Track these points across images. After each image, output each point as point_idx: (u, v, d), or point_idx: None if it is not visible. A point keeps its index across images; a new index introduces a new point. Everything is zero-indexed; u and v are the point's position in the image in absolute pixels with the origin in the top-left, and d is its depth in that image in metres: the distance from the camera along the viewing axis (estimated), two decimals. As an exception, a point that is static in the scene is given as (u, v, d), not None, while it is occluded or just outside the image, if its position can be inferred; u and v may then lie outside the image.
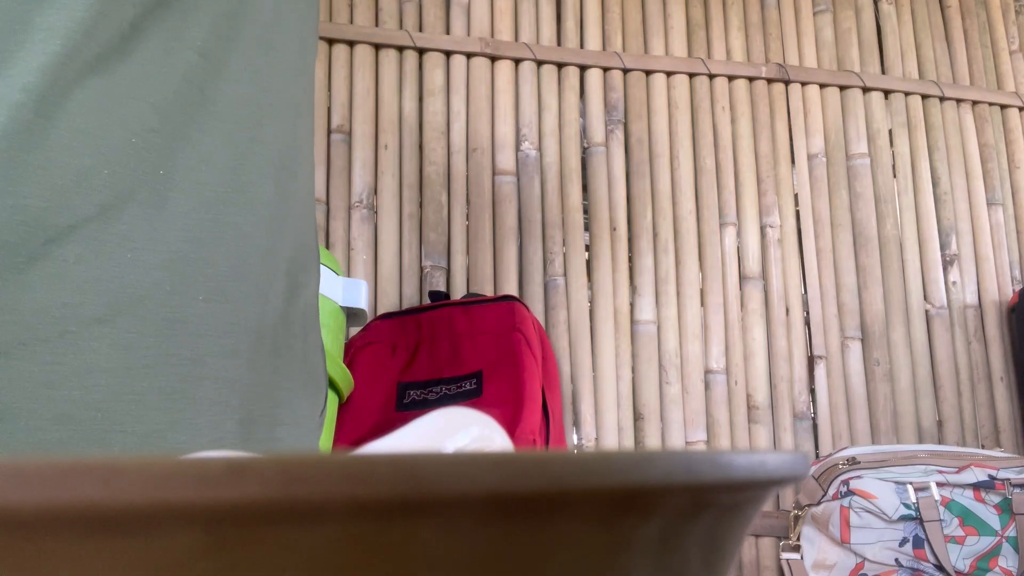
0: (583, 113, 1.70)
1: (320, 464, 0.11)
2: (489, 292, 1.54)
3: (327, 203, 1.54)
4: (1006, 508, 1.34)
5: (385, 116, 1.59)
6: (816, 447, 1.63)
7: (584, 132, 1.69)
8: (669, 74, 1.73)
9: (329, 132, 1.57)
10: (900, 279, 1.72)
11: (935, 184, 1.81)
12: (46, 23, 0.39)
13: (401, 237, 1.55)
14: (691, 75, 1.74)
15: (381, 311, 1.47)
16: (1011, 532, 1.33)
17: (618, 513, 0.13)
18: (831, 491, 1.37)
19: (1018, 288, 1.78)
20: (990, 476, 1.36)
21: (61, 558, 0.10)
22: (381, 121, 1.59)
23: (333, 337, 1.03)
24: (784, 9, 1.83)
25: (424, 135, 1.60)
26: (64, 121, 0.38)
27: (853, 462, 1.40)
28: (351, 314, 1.16)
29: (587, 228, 1.65)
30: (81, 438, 0.37)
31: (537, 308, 1.56)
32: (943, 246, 1.78)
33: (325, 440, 1.03)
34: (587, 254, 1.63)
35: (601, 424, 1.54)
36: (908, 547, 1.32)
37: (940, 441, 1.67)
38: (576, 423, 1.53)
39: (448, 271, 1.55)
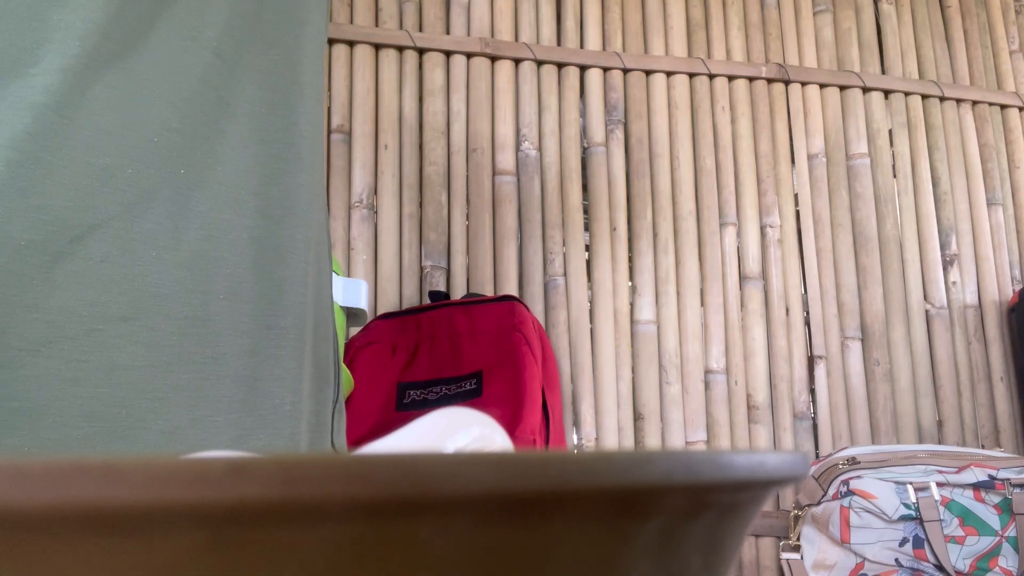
0: (583, 113, 1.70)
1: (320, 464, 0.11)
2: (489, 292, 1.54)
3: (327, 203, 1.54)
4: (1006, 508, 1.34)
5: (385, 116, 1.59)
6: (816, 447, 1.63)
7: (584, 132, 1.69)
8: (669, 74, 1.73)
9: (329, 132, 1.57)
10: (900, 279, 1.72)
11: (935, 184, 1.81)
12: (64, 22, 0.39)
13: (401, 237, 1.55)
14: (691, 75, 1.74)
15: (381, 311, 1.47)
16: (1011, 532, 1.33)
17: (618, 513, 0.13)
18: (831, 491, 1.37)
19: (1018, 288, 1.78)
20: (990, 476, 1.36)
21: (62, 558, 0.10)
22: (381, 121, 1.59)
23: (333, 337, 1.03)
24: (784, 9, 1.83)
25: (424, 135, 1.60)
26: (86, 121, 0.39)
27: (853, 462, 1.40)
28: (351, 314, 1.16)
29: (587, 228, 1.65)
30: (106, 435, 0.38)
31: (537, 308, 1.56)
32: (943, 246, 1.78)
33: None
34: (587, 254, 1.63)
35: (601, 424, 1.54)
36: (908, 547, 1.32)
37: (940, 441, 1.67)
38: (576, 423, 1.54)
39: (448, 271, 1.55)
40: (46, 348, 0.36)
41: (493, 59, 1.66)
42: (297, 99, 0.50)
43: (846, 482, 1.36)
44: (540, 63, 1.68)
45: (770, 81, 1.77)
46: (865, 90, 1.81)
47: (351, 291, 1.11)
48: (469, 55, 1.64)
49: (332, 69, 1.60)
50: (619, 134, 1.69)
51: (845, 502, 1.34)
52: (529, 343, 1.25)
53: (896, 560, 1.33)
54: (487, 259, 1.56)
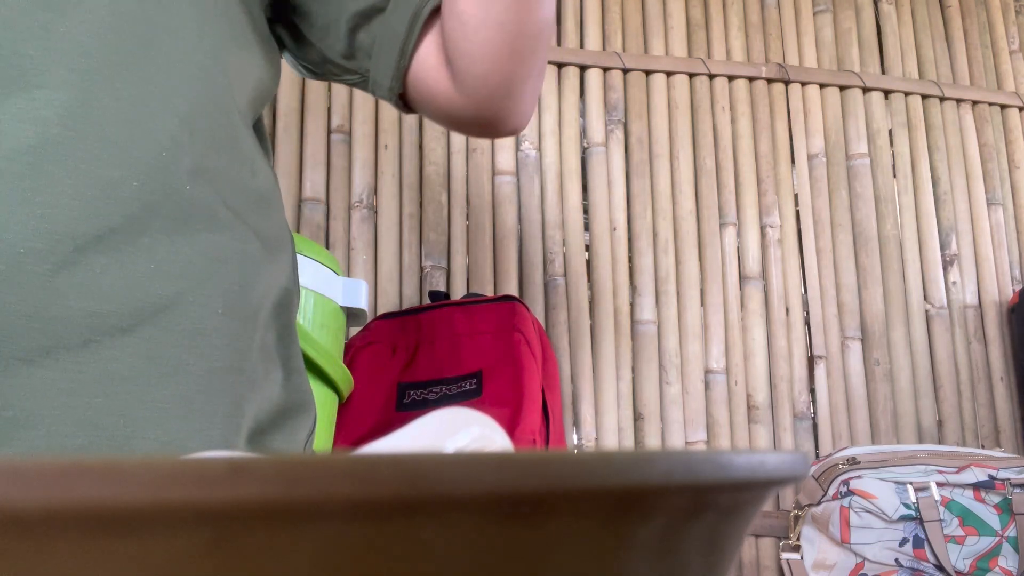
0: (583, 113, 1.70)
1: (320, 464, 0.11)
2: (489, 292, 1.54)
3: (327, 203, 1.54)
4: (1006, 508, 1.34)
5: (385, 116, 1.59)
6: (816, 447, 1.63)
7: (584, 132, 1.69)
8: (669, 74, 1.73)
9: (329, 132, 1.56)
10: (900, 279, 1.72)
11: (935, 184, 1.81)
12: (70, 33, 0.39)
13: (401, 237, 1.55)
14: (691, 75, 1.74)
15: (381, 311, 1.47)
16: (1011, 532, 1.33)
17: (618, 513, 0.13)
18: (831, 491, 1.37)
19: (1018, 288, 1.78)
20: (990, 476, 1.36)
21: (62, 558, 0.10)
22: (381, 121, 1.59)
23: (333, 337, 1.03)
24: (784, 9, 1.83)
25: (424, 135, 1.60)
26: (93, 132, 0.39)
27: (853, 462, 1.40)
28: (351, 314, 1.16)
29: (587, 228, 1.65)
30: (103, 444, 0.38)
31: (537, 308, 1.56)
32: (943, 246, 1.78)
33: (325, 441, 1.03)
34: (587, 254, 1.63)
35: (601, 424, 1.54)
36: (908, 547, 1.32)
37: (940, 441, 1.67)
38: (576, 423, 1.53)
39: (448, 271, 1.55)
40: (41, 358, 0.37)
41: (493, 59, 1.66)
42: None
43: (846, 482, 1.36)
44: (540, 63, 1.67)
45: (770, 81, 1.77)
46: (865, 90, 1.81)
47: (351, 291, 1.11)
48: (469, 55, 1.64)
49: (332, 69, 1.59)
50: (619, 134, 1.69)
51: (845, 502, 1.34)
52: (529, 343, 1.25)
53: (896, 560, 1.33)
54: (487, 259, 1.56)
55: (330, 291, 1.03)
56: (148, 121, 0.41)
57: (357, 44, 0.57)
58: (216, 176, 0.45)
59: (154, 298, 0.40)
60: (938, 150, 1.82)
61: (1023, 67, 1.95)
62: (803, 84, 1.79)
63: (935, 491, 1.34)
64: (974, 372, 1.72)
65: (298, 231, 1.49)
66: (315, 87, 1.57)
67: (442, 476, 0.11)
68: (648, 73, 1.73)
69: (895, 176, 1.80)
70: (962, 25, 1.92)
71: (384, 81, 0.58)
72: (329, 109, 1.57)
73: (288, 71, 0.72)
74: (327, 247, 1.51)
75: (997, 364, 1.73)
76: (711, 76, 1.74)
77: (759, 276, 1.68)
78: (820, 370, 1.66)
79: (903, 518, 1.33)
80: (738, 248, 1.69)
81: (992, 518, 1.34)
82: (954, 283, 1.76)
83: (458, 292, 1.53)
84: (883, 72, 1.85)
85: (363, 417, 1.21)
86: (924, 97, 1.85)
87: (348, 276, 1.42)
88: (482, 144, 1.61)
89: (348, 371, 1.05)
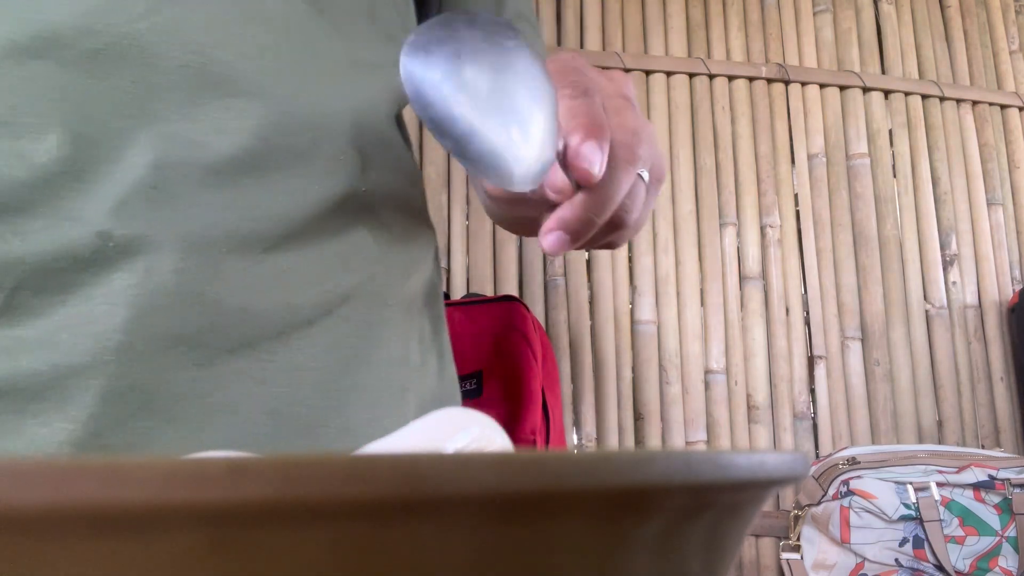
0: (583, 113, 1.70)
1: (320, 464, 0.11)
2: (489, 292, 1.54)
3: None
4: (1006, 508, 1.34)
5: (385, 116, 1.59)
6: (816, 447, 1.63)
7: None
8: (669, 74, 1.73)
9: (329, 132, 1.57)
10: (900, 279, 1.72)
11: (935, 184, 1.81)
12: (257, 39, 0.42)
13: (401, 237, 1.55)
14: (691, 75, 1.74)
15: (381, 311, 1.47)
16: (1011, 532, 1.33)
17: (618, 513, 0.13)
18: (831, 491, 1.37)
19: (1018, 288, 1.78)
20: (990, 476, 1.36)
21: (63, 558, 0.10)
22: (381, 121, 1.59)
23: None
24: (784, 9, 1.83)
25: (424, 135, 1.60)
26: (281, 141, 0.42)
27: (853, 462, 1.40)
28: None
29: (587, 228, 1.65)
30: (288, 431, 0.41)
31: (537, 308, 1.56)
32: (943, 246, 1.78)
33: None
34: (587, 254, 1.63)
35: (601, 424, 1.54)
36: (908, 547, 1.32)
37: (940, 441, 1.67)
38: (576, 423, 1.53)
39: (448, 271, 1.55)
40: (241, 349, 0.39)
41: (493, 59, 1.66)
42: None
43: (846, 482, 1.36)
44: (540, 63, 1.67)
45: (770, 81, 1.77)
46: (865, 90, 1.81)
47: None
48: (469, 55, 1.64)
49: (332, 69, 1.60)
50: (619, 134, 1.69)
51: (845, 502, 1.34)
52: (529, 343, 1.25)
53: (896, 560, 1.33)
54: (487, 259, 1.56)
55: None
56: (327, 125, 0.43)
57: None
58: (380, 174, 0.47)
59: (336, 291, 0.43)
60: (938, 150, 1.82)
61: (1023, 67, 1.95)
62: (803, 84, 1.79)
63: (935, 491, 1.34)
64: (974, 372, 1.72)
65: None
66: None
67: (442, 476, 0.11)
68: (648, 73, 1.73)
69: (895, 176, 1.80)
70: (962, 25, 1.92)
71: None
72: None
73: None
74: (327, 247, 1.51)
75: (997, 364, 1.73)
76: (711, 76, 1.74)
77: (759, 276, 1.68)
78: (820, 370, 1.66)
79: (903, 518, 1.33)
80: (738, 248, 1.69)
81: (992, 518, 1.34)
82: (954, 283, 1.76)
83: (458, 292, 1.53)
84: (883, 72, 1.85)
85: (363, 417, 1.21)
86: (924, 97, 1.85)
87: (348, 276, 1.42)
88: (482, 144, 1.61)
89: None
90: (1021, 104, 1.90)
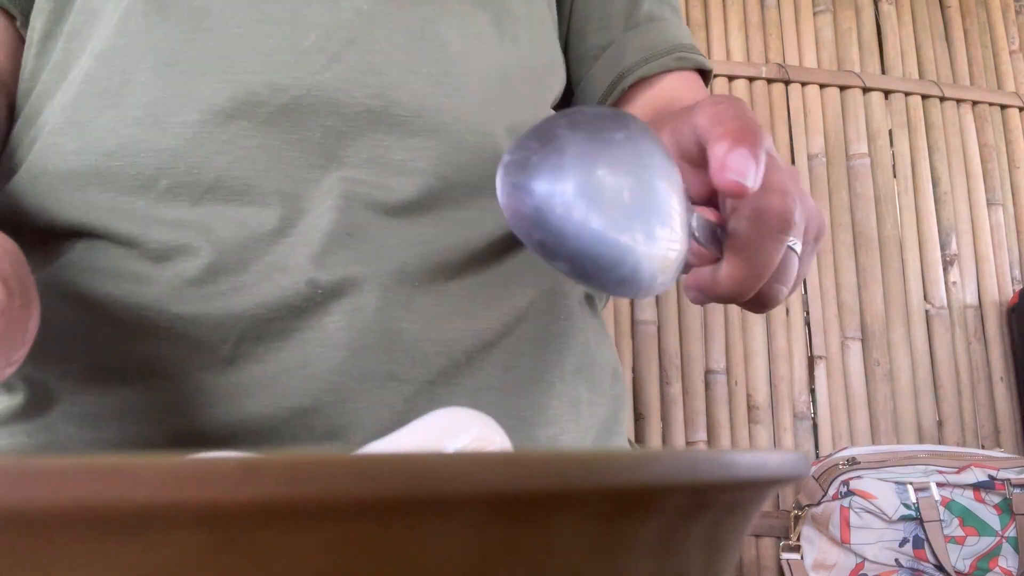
0: (583, 113, 1.70)
1: (323, 464, 0.11)
2: (489, 292, 1.54)
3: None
4: (1006, 508, 1.34)
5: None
6: (816, 447, 1.63)
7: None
8: (669, 74, 1.73)
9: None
10: (900, 279, 1.72)
11: (935, 184, 1.81)
12: (432, 75, 0.44)
13: (401, 237, 1.55)
14: (691, 75, 1.74)
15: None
16: (1011, 532, 1.33)
17: (619, 513, 0.13)
18: (831, 491, 1.37)
19: (1018, 288, 1.78)
20: (990, 476, 1.36)
21: (73, 557, 0.10)
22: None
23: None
24: (784, 9, 1.83)
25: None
26: (457, 178, 0.43)
27: (853, 462, 1.40)
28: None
29: (587, 228, 1.65)
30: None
31: (537, 308, 1.56)
32: (943, 246, 1.78)
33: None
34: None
35: (601, 424, 1.54)
36: (908, 547, 1.32)
37: (940, 441, 1.67)
38: (576, 423, 1.53)
39: (448, 271, 1.55)
40: (440, 377, 0.42)
41: (493, 59, 1.66)
42: None
43: (846, 482, 1.36)
44: (540, 63, 1.67)
45: (770, 81, 1.77)
46: (865, 90, 1.81)
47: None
48: (469, 55, 1.64)
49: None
50: (619, 134, 1.69)
51: (845, 502, 1.34)
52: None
53: (896, 560, 1.33)
54: (487, 259, 1.56)
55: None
56: (493, 156, 0.44)
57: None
58: None
59: (512, 311, 0.45)
60: (938, 150, 1.82)
61: (1023, 67, 1.95)
62: (803, 84, 1.79)
63: (935, 491, 1.34)
64: (974, 372, 1.72)
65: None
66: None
67: (446, 475, 0.11)
68: (648, 73, 1.72)
69: (895, 176, 1.80)
70: (962, 25, 1.92)
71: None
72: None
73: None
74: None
75: (997, 364, 1.73)
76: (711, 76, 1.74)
77: (759, 276, 1.68)
78: (820, 370, 1.66)
79: (903, 518, 1.33)
80: (738, 248, 1.68)
81: (992, 518, 1.34)
82: (954, 283, 1.76)
83: (458, 292, 1.53)
84: (883, 72, 1.85)
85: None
86: (924, 97, 1.85)
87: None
88: (482, 144, 1.61)
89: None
90: (1021, 104, 1.90)
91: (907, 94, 1.83)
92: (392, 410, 0.40)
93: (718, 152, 0.29)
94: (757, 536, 1.55)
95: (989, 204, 1.83)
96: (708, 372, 1.61)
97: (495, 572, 0.12)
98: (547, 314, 0.46)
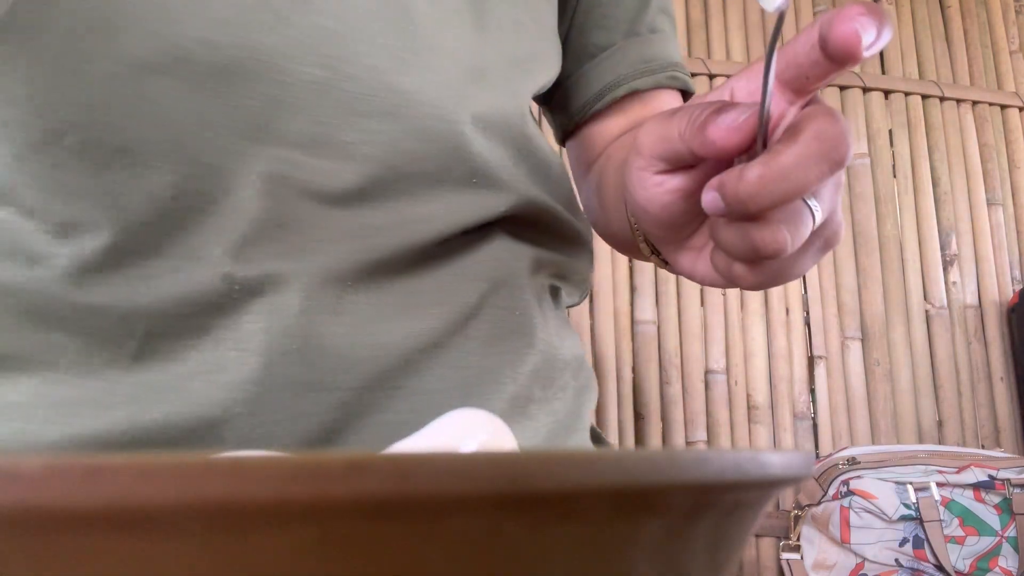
0: (583, 113, 1.70)
1: (327, 462, 0.11)
2: (489, 292, 1.54)
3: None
4: (1006, 508, 1.34)
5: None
6: (816, 447, 1.63)
7: (584, 132, 1.69)
8: (669, 74, 1.73)
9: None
10: (900, 279, 1.72)
11: (935, 184, 1.81)
12: (426, 64, 0.40)
13: (401, 237, 1.55)
14: (691, 75, 1.74)
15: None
16: (1011, 532, 1.33)
17: (622, 513, 0.13)
18: (831, 491, 1.37)
19: (1018, 288, 1.78)
20: (990, 476, 1.36)
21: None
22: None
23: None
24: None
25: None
26: (409, 168, 0.40)
27: (853, 462, 1.40)
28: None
29: (587, 228, 1.65)
30: None
31: (537, 308, 1.56)
32: (943, 246, 1.78)
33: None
34: (587, 254, 1.63)
35: (601, 424, 1.54)
36: (908, 547, 1.32)
37: (940, 441, 1.67)
38: (576, 423, 1.53)
39: (448, 271, 1.55)
40: (372, 382, 0.39)
41: (493, 59, 1.66)
42: None
43: (846, 482, 1.36)
44: (540, 63, 1.67)
45: (770, 81, 1.77)
46: (865, 90, 1.81)
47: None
48: (469, 55, 1.64)
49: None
50: (619, 134, 1.69)
51: (845, 502, 1.34)
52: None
53: (896, 560, 1.33)
54: (487, 259, 1.56)
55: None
56: (461, 144, 0.41)
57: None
58: (516, 181, 0.46)
59: (461, 307, 0.41)
60: (938, 150, 1.82)
61: (1023, 67, 1.95)
62: (803, 84, 1.79)
63: (935, 491, 1.34)
64: (974, 372, 1.72)
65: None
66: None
67: (451, 475, 0.11)
68: (648, 73, 1.73)
69: (895, 176, 1.80)
70: (962, 25, 1.92)
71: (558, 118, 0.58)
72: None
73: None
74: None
75: (997, 364, 1.73)
76: (711, 76, 1.74)
77: (759, 276, 1.68)
78: (820, 370, 1.66)
79: (903, 518, 1.33)
80: (738, 248, 1.68)
81: (992, 518, 1.34)
82: (954, 283, 1.76)
83: (458, 292, 1.53)
84: (883, 72, 1.85)
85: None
86: (924, 97, 1.85)
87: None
88: (482, 144, 1.61)
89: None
90: (1021, 104, 1.90)
91: (907, 94, 1.83)
92: (319, 421, 0.37)
93: (850, 10, 0.28)
94: (757, 536, 1.55)
95: (989, 204, 1.83)
96: (708, 372, 1.61)
97: (500, 572, 0.12)
98: (501, 309, 0.43)
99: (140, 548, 0.10)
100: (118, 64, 0.34)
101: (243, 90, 0.35)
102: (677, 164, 0.33)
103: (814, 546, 1.39)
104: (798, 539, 1.42)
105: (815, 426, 1.65)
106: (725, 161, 0.31)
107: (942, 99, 1.85)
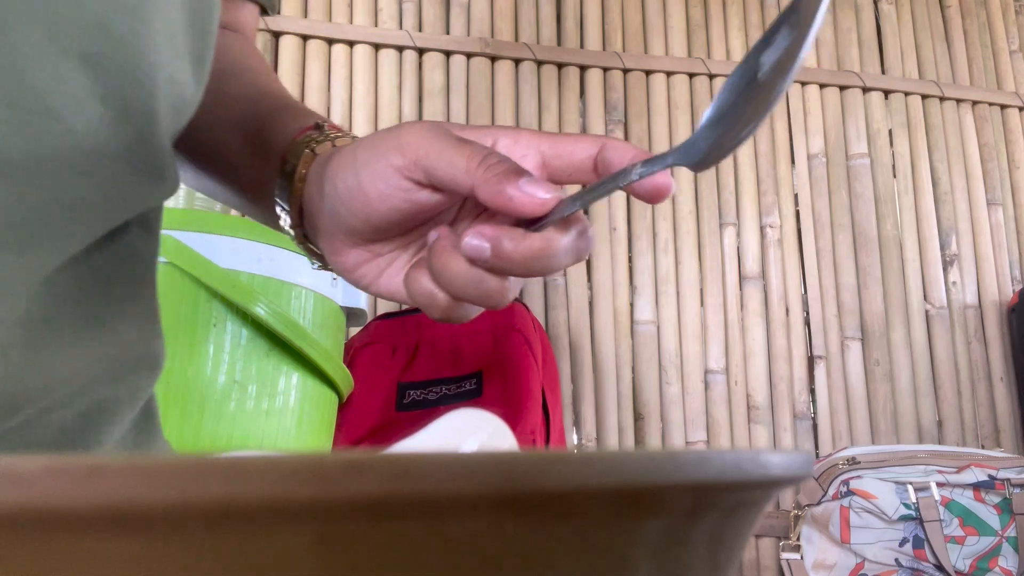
0: (583, 113, 1.70)
1: (326, 461, 0.11)
2: (489, 292, 1.53)
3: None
4: (1006, 508, 1.34)
5: (385, 116, 1.59)
6: (816, 447, 1.63)
7: (584, 132, 1.69)
8: (669, 74, 1.73)
9: (329, 132, 1.56)
10: (900, 279, 1.72)
11: (935, 184, 1.81)
12: None
13: (401, 237, 1.54)
14: (691, 75, 1.74)
15: (381, 311, 1.47)
16: (1011, 532, 1.33)
17: (622, 513, 0.13)
18: (831, 491, 1.37)
19: (1018, 288, 1.78)
20: (990, 476, 1.36)
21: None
22: (381, 121, 1.58)
23: (332, 337, 1.03)
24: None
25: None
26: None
27: (853, 462, 1.40)
28: (351, 314, 1.16)
29: (587, 228, 1.65)
30: None
31: (537, 308, 1.56)
32: (943, 246, 1.78)
33: (325, 441, 1.03)
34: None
35: (601, 424, 1.54)
36: (908, 547, 1.32)
37: (940, 441, 1.67)
38: (576, 423, 1.53)
39: (448, 271, 1.55)
40: None
41: (493, 59, 1.66)
42: None
43: (846, 482, 1.36)
44: (540, 63, 1.68)
45: (770, 81, 1.77)
46: (865, 90, 1.81)
47: (351, 291, 1.11)
48: (469, 55, 1.64)
49: (332, 69, 1.59)
50: (619, 134, 1.69)
51: (845, 502, 1.34)
52: (529, 343, 1.25)
53: (896, 560, 1.33)
54: (487, 259, 1.56)
55: (330, 291, 1.03)
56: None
57: None
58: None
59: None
60: (938, 150, 1.82)
61: (1023, 67, 1.95)
62: (803, 84, 1.79)
63: (935, 491, 1.34)
64: (974, 372, 1.72)
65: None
66: (313, 89, 1.57)
67: (450, 475, 0.11)
68: (648, 73, 1.73)
69: (895, 176, 1.80)
70: (962, 25, 1.93)
71: None
72: (329, 109, 1.58)
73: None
74: (327, 247, 1.51)
75: (997, 364, 1.73)
76: (711, 76, 1.74)
77: (759, 276, 1.68)
78: (820, 370, 1.66)
79: (903, 518, 1.33)
80: (738, 248, 1.69)
81: (992, 518, 1.34)
82: (954, 283, 1.76)
83: (458, 292, 1.53)
84: (883, 72, 1.85)
85: (363, 417, 1.21)
86: (924, 97, 1.85)
87: (348, 276, 1.42)
88: (482, 144, 1.61)
89: (348, 371, 1.05)
90: (1021, 104, 1.90)
91: (907, 94, 1.83)
92: None
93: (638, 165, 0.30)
94: (757, 536, 1.55)
95: (989, 204, 1.83)
96: (707, 372, 1.61)
97: (501, 573, 0.12)
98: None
99: (140, 548, 0.10)
100: None
101: None
102: (441, 187, 0.32)
103: (814, 546, 1.39)
104: (798, 539, 1.43)
105: (815, 426, 1.65)
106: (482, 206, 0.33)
107: (942, 99, 1.86)
